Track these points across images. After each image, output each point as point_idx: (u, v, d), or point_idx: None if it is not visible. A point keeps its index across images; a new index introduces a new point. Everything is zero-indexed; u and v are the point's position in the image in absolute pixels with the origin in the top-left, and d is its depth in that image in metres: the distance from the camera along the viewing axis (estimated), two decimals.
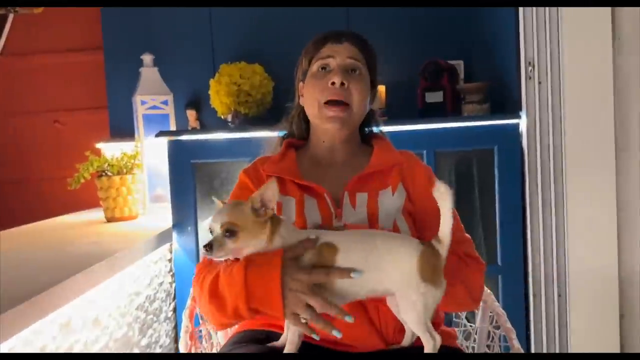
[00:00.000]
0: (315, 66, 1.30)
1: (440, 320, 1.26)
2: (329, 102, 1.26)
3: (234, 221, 1.01)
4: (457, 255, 1.17)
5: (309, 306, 0.98)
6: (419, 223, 1.24)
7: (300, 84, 1.36)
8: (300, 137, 1.40)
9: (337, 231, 1.09)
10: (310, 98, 1.30)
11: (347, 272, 0.99)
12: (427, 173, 1.30)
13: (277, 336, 1.14)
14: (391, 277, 1.00)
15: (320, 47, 1.31)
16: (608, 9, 1.81)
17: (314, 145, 1.36)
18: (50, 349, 1.24)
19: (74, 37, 2.78)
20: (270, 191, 1.03)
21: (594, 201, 1.88)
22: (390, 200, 1.23)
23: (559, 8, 1.84)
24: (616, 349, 1.90)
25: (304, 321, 0.99)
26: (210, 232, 1.03)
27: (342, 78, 1.25)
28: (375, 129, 1.42)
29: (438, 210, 1.02)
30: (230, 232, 1.00)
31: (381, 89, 2.34)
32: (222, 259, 1.05)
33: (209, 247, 1.00)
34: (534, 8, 1.87)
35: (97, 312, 1.49)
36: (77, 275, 1.28)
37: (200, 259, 1.63)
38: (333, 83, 1.25)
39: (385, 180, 1.26)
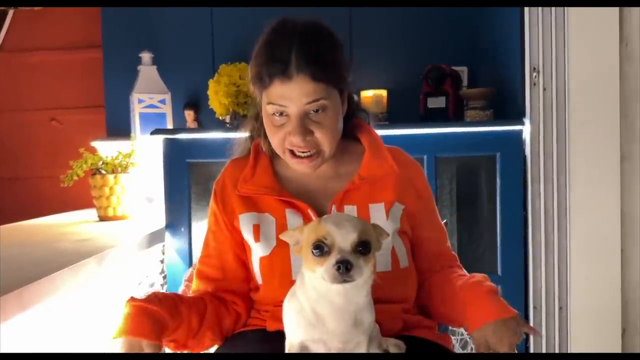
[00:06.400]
0: (268, 108, 1.08)
1: (433, 324, 1.19)
2: (292, 151, 1.10)
3: (367, 238, 0.83)
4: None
5: None
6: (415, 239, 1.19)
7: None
8: (269, 149, 1.19)
9: None
10: (270, 137, 1.12)
11: None
12: (424, 183, 1.23)
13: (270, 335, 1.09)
14: None
15: (268, 81, 1.05)
16: (616, 15, 1.78)
17: None
18: (31, 343, 1.19)
19: (73, 34, 2.75)
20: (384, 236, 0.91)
21: (598, 211, 1.84)
22: (383, 222, 1.10)
23: (566, 13, 1.80)
24: None
25: None
26: (319, 247, 0.81)
27: (303, 134, 1.05)
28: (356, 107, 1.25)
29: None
30: (365, 246, 0.82)
31: (383, 93, 2.31)
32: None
33: (345, 268, 0.79)
34: (540, 13, 1.84)
35: (83, 310, 1.44)
36: (63, 271, 1.24)
37: (193, 265, 1.57)
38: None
39: (376, 193, 1.14)
